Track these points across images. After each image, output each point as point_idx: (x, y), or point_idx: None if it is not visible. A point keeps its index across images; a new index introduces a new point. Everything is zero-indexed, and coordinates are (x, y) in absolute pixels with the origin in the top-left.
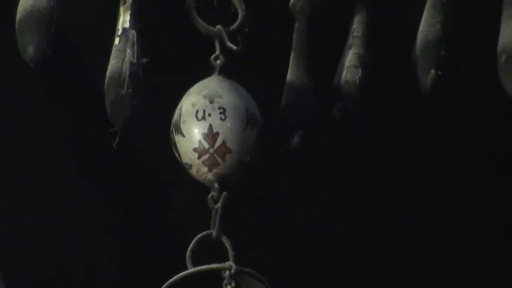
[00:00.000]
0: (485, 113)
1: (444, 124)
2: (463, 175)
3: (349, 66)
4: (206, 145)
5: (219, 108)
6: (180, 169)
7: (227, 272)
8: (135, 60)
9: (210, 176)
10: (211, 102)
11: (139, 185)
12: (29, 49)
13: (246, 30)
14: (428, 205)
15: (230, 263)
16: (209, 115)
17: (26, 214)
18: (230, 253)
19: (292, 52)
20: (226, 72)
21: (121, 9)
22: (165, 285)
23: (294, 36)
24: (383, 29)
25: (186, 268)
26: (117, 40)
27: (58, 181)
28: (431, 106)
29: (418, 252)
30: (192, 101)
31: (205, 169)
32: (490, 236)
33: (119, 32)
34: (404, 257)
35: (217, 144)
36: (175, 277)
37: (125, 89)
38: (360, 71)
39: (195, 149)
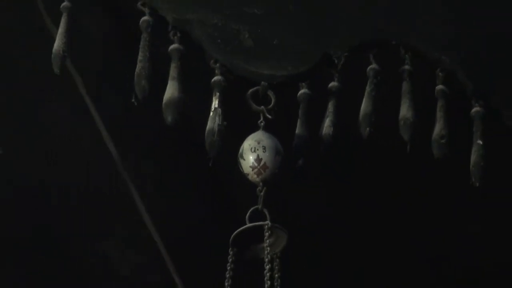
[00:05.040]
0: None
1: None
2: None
3: (326, 126)
4: (256, 164)
5: (263, 146)
6: (243, 176)
7: (266, 226)
8: (221, 123)
9: (257, 179)
10: (258, 143)
11: (223, 186)
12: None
13: (276, 109)
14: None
15: (267, 221)
16: (257, 149)
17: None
18: (268, 217)
19: (298, 120)
20: (266, 129)
21: (213, 98)
22: (234, 234)
23: (300, 114)
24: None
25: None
26: (211, 113)
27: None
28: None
29: None
30: (249, 142)
31: (255, 176)
32: None
33: (212, 109)
34: None
35: (261, 164)
36: (239, 229)
37: (215, 137)
38: (332, 129)
39: (250, 166)
